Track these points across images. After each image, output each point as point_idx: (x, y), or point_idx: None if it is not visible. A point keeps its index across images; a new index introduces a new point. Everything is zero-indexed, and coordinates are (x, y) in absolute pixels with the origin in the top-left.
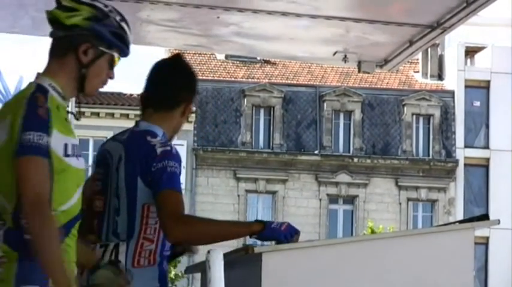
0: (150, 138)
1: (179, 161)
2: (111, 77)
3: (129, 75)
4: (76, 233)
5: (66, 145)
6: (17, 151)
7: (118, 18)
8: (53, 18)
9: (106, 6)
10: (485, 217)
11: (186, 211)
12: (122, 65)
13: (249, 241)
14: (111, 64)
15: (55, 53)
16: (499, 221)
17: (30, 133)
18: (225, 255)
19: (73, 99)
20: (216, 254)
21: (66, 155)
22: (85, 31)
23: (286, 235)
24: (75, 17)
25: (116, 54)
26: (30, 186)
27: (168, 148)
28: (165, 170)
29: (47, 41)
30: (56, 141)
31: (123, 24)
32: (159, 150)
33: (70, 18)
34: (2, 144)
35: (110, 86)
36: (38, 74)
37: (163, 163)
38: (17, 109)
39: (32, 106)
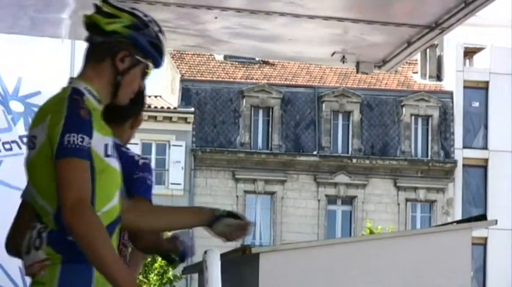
0: (125, 149)
1: (153, 175)
2: (141, 87)
3: None
4: (116, 239)
5: (106, 145)
6: (57, 153)
7: (156, 29)
8: (91, 23)
9: (146, 15)
10: (482, 217)
11: None
12: None
13: (247, 241)
14: (144, 74)
15: (91, 58)
16: (496, 222)
17: (71, 135)
18: (223, 255)
19: None
20: (213, 255)
21: (107, 156)
22: (124, 39)
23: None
24: (115, 23)
25: (150, 65)
26: (70, 189)
27: (147, 161)
28: (145, 181)
29: (46, 42)
30: (97, 141)
31: (160, 35)
32: (140, 161)
33: (110, 25)
34: (41, 146)
35: None
36: (71, 78)
37: (144, 174)
38: (57, 111)
39: (73, 108)
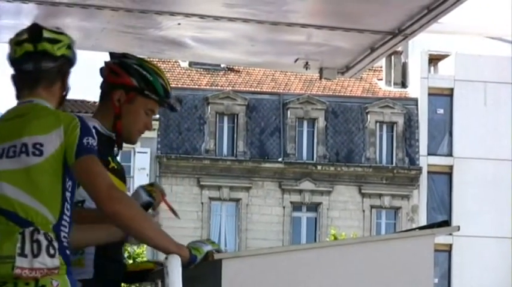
0: None
1: None
2: None
3: (92, 83)
4: None
5: None
6: (78, 153)
7: None
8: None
9: None
10: (445, 223)
11: None
12: (85, 74)
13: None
14: None
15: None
16: (458, 228)
17: (89, 138)
18: None
19: None
20: (174, 261)
21: None
22: None
23: None
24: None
25: None
26: (101, 179)
27: None
28: None
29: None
30: None
31: None
32: None
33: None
34: (52, 153)
35: (74, 94)
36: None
37: None
38: (69, 122)
39: (82, 118)
